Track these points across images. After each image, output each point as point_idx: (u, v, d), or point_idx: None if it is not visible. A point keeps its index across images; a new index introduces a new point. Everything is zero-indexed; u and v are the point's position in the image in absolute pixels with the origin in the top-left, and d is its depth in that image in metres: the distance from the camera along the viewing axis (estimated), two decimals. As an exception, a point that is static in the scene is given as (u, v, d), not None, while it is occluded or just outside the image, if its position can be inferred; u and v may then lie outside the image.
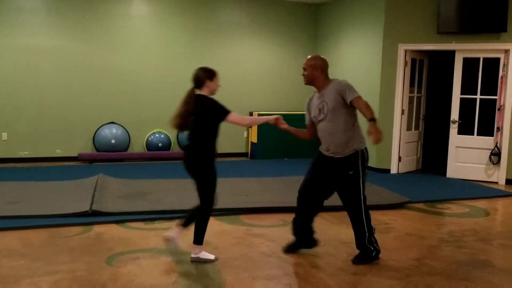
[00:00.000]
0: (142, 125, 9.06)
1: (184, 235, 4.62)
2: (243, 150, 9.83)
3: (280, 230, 4.85)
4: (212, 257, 3.96)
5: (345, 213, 5.44)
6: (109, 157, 8.64)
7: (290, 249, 4.20)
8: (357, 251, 4.05)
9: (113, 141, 8.61)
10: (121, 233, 4.65)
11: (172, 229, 4.05)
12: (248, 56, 9.64)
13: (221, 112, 3.91)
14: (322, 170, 4.06)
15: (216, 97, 10.11)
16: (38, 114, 8.42)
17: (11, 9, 8.15)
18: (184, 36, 9.23)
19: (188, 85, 10.12)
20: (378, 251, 4.04)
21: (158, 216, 5.16)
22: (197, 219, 3.99)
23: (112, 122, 8.83)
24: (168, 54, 9.16)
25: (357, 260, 4.00)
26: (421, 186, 7.20)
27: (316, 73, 3.99)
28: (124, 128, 8.84)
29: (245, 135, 9.77)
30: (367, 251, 4.00)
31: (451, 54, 7.87)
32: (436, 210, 5.88)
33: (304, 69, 4.05)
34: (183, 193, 6.15)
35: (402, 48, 7.93)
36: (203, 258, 3.93)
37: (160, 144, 8.96)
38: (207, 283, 3.52)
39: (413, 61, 8.18)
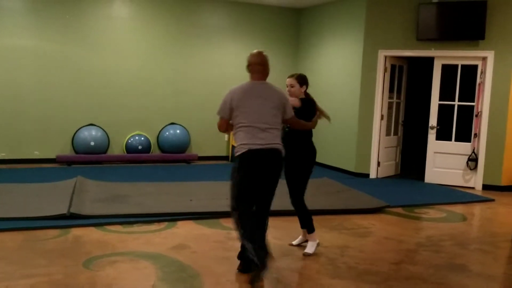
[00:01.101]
0: (122, 127, 8.98)
1: (166, 238, 4.59)
2: (223, 154, 9.81)
3: (260, 234, 4.84)
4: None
5: (324, 217, 5.50)
6: (88, 159, 8.53)
7: None
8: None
9: (92, 143, 8.51)
10: (99, 236, 4.60)
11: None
12: (229, 60, 9.63)
13: None
14: None
15: (200, 99, 10.03)
16: (16, 115, 8.28)
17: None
18: (165, 39, 9.19)
19: (170, 87, 10.08)
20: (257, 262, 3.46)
21: (137, 220, 5.12)
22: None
23: (92, 124, 8.73)
24: (149, 56, 9.11)
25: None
26: (399, 191, 7.28)
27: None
28: (104, 130, 8.75)
29: (225, 138, 9.76)
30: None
31: (430, 60, 7.99)
32: (414, 214, 5.95)
33: None
34: (163, 196, 6.12)
35: (382, 54, 8.02)
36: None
37: (140, 147, 8.89)
38: (185, 287, 3.50)
39: (393, 67, 8.28)
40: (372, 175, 8.23)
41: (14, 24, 8.18)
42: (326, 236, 4.86)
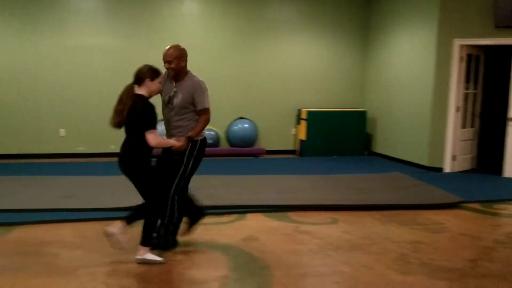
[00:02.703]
0: (192, 122, 9.19)
1: (236, 230, 4.67)
2: (291, 147, 9.81)
3: (329, 227, 4.81)
4: (159, 259, 3.79)
5: (394, 212, 5.38)
6: (160, 153, 8.81)
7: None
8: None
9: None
10: (172, 227, 4.75)
11: (114, 225, 3.78)
12: (297, 53, 9.60)
13: (144, 126, 3.71)
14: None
15: (268, 93, 10.02)
16: (94, 112, 8.70)
17: (70, 9, 8.48)
18: (233, 33, 9.29)
19: (239, 82, 10.19)
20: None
21: (207, 211, 5.21)
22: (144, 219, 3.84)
23: (161, 120, 8.99)
24: (218, 52, 9.25)
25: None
26: (476, 186, 6.95)
27: (182, 63, 4.09)
28: (175, 125, 9.01)
29: (293, 132, 9.75)
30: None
31: (509, 49, 7.55)
32: (492, 210, 5.66)
33: (170, 62, 4.03)
34: (232, 189, 6.22)
35: (457, 43, 7.67)
36: (148, 259, 3.78)
37: (209, 141, 9.06)
38: (256, 278, 3.54)
39: (469, 56, 7.90)
40: (447, 169, 7.91)
41: (90, 24, 8.60)
42: (397, 231, 4.74)
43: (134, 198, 5.40)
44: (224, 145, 9.42)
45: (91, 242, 4.26)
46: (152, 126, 3.70)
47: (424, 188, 6.45)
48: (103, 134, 8.79)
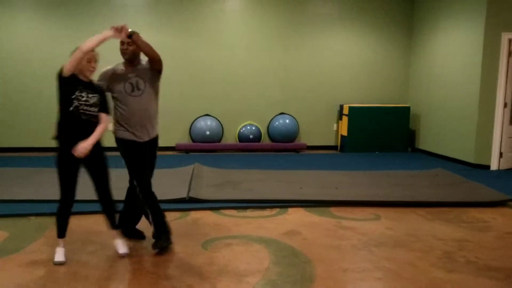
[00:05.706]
0: (234, 117, 9.32)
1: (278, 224, 4.71)
2: (332, 143, 9.78)
3: (372, 223, 4.80)
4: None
5: (439, 210, 5.30)
6: (204, 147, 8.99)
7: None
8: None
9: (207, 132, 8.95)
10: (216, 219, 4.85)
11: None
12: (339, 48, 9.54)
13: None
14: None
15: (309, 89, 9.91)
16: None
17: (115, 5, 8.72)
18: (276, 29, 9.33)
19: (280, 78, 10.14)
20: None
21: (250, 205, 5.31)
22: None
23: (207, 115, 9.16)
24: (260, 47, 9.31)
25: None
26: (525, 184, 6.75)
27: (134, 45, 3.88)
28: (218, 120, 9.15)
29: (334, 127, 9.72)
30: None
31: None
32: (542, 209, 5.49)
33: (130, 44, 3.86)
34: (273, 183, 6.28)
35: (505, 36, 7.44)
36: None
37: (251, 136, 9.16)
38: (298, 272, 3.58)
39: (518, 50, 7.67)
40: (493, 166, 7.71)
41: (137, 19, 8.80)
42: (442, 228, 4.68)
43: (180, 190, 5.55)
44: (265, 140, 9.48)
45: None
46: None
47: (470, 185, 6.32)
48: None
